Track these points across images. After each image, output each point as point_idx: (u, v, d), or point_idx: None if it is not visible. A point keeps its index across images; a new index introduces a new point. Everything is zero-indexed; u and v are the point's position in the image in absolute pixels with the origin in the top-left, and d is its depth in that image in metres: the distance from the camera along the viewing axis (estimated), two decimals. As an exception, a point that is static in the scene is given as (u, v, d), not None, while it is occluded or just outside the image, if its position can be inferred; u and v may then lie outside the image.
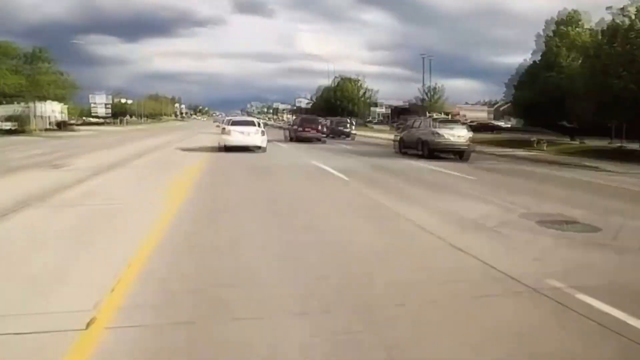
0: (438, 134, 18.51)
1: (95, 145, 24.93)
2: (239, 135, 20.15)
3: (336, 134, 34.77)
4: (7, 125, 44.09)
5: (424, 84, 64.43)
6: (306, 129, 29.30)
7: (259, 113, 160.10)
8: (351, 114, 75.73)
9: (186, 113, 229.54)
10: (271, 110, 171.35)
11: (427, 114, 37.46)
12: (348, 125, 36.71)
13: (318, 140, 28.46)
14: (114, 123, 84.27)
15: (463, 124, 21.45)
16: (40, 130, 46.07)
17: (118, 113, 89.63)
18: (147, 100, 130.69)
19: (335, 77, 75.06)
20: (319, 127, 29.55)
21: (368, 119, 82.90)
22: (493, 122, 64.17)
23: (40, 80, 42.67)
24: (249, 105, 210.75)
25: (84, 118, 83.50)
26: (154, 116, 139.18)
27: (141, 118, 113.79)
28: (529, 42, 41.38)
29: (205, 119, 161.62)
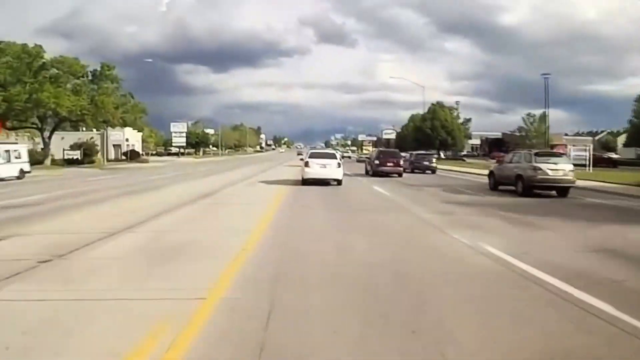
0: (538, 168, 16.72)
1: (140, 185, 22.48)
2: (318, 168, 20.52)
3: (420, 168, 34.14)
4: (73, 155, 42.39)
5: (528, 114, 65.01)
6: (386, 164, 28.55)
7: (342, 145, 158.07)
8: (445, 145, 66.23)
9: (268, 144, 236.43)
10: (349, 142, 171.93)
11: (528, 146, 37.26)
12: (433, 159, 36.19)
13: (398, 175, 27.89)
14: (189, 154, 79.14)
15: (569, 156, 20.06)
16: (108, 160, 40.19)
17: (198, 143, 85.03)
18: (230, 130, 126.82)
19: (432, 104, 67.21)
20: (399, 162, 28.93)
21: (460, 152, 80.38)
22: (610, 154, 57.90)
23: (103, 102, 38.16)
24: (333, 138, 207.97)
25: (163, 147, 79.20)
26: (237, 147, 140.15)
27: (222, 149, 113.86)
28: (616, 68, 30.60)
29: (283, 150, 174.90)
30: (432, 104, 71.59)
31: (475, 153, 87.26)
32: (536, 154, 17.79)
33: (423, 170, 33.36)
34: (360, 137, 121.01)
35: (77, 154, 40.00)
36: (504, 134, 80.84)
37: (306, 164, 20.50)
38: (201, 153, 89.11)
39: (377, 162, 28.38)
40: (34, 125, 38.84)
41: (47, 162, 36.45)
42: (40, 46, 37.69)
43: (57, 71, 36.27)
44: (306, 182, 19.73)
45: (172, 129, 71.20)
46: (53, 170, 32.39)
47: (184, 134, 71.92)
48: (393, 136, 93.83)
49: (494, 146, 79.78)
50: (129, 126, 47.69)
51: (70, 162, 37.44)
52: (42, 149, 38.11)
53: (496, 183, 19.55)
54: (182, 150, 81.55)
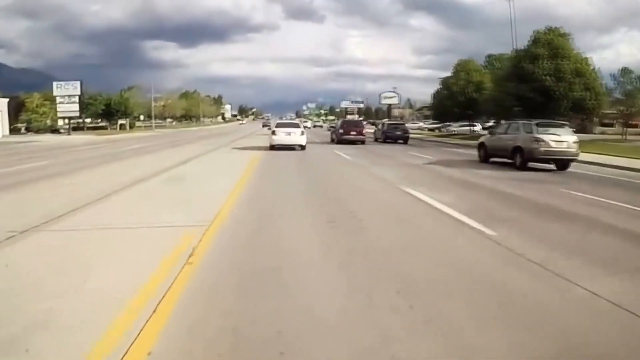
0: (540, 140, 15.80)
1: None
2: (283, 136, 23.54)
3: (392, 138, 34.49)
4: None
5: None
6: (350, 132, 31.11)
7: (317, 115, 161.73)
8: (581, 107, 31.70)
9: (234, 115, 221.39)
10: (322, 112, 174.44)
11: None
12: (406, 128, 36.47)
13: (361, 142, 30.73)
14: (101, 128, 68.14)
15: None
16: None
17: (111, 112, 69.04)
18: (176, 98, 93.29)
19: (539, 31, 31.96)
20: (361, 130, 31.53)
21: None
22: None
23: None
24: (304, 107, 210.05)
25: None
26: (187, 118, 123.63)
27: (166, 120, 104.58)
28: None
29: (244, 121, 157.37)
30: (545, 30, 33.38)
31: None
32: (537, 124, 16.50)
33: (395, 139, 34.02)
34: (344, 104, 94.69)
35: None
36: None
37: (273, 132, 24.03)
38: (119, 126, 70.55)
39: (341, 130, 31.66)
40: None
41: None
42: None
43: None
44: (273, 147, 22.98)
45: (55, 92, 51.73)
46: None
47: (76, 99, 51.33)
48: (394, 100, 66.62)
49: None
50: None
51: None
52: None
53: (487, 155, 18.29)
54: (83, 122, 64.91)
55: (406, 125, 38.68)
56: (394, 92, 77.37)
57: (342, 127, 32.49)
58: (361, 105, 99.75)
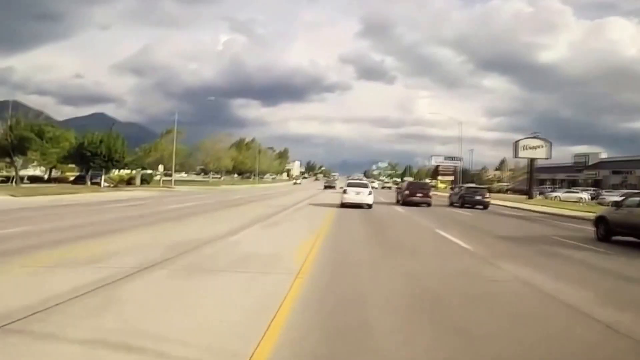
0: None
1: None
2: (353, 195, 25.80)
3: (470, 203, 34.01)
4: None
5: None
6: (416, 194, 31.96)
7: (389, 176, 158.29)
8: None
9: (302, 172, 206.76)
10: (393, 172, 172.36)
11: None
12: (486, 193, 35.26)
13: (427, 205, 31.75)
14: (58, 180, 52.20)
15: None
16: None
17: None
18: (221, 147, 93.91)
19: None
20: (427, 192, 32.57)
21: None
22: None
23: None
24: (374, 167, 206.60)
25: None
26: (240, 172, 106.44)
27: (208, 174, 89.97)
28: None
29: (299, 180, 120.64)
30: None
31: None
32: None
33: (473, 205, 34.05)
34: (434, 161, 69.59)
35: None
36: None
37: (344, 191, 26.66)
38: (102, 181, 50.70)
39: (407, 192, 32.86)
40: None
41: None
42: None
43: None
44: (344, 205, 25.65)
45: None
46: None
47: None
48: (542, 154, 39.48)
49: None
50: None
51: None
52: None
53: (609, 232, 15.49)
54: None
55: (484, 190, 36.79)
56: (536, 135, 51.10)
57: (407, 188, 33.81)
58: (458, 164, 74.46)
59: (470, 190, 35.15)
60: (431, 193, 33.31)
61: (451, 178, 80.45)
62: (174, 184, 55.27)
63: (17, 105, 48.92)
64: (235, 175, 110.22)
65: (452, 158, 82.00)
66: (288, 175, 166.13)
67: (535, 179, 54.68)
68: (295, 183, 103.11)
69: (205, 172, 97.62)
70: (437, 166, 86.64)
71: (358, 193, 25.90)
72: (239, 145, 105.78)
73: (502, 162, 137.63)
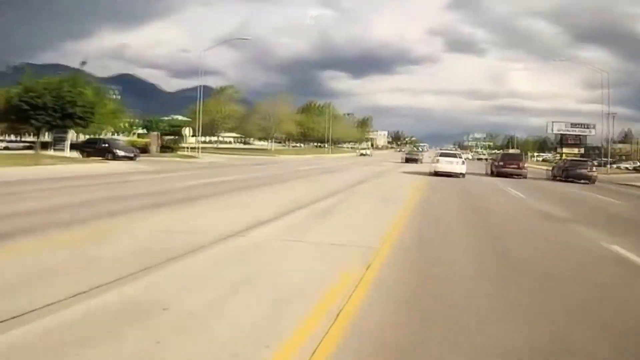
0: None
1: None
2: (445, 164, 27.66)
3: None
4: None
5: None
6: (508, 165, 32.27)
7: (486, 147, 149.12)
8: None
9: (389, 143, 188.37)
10: (490, 144, 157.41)
11: None
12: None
13: (519, 176, 31.98)
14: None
15: None
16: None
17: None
18: (287, 111, 56.88)
19: None
20: (521, 164, 32.97)
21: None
22: None
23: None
24: (466, 137, 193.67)
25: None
26: (304, 139, 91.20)
27: (269, 141, 72.51)
28: None
29: (368, 151, 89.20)
30: None
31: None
32: None
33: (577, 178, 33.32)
34: (556, 129, 49.15)
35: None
36: None
37: (437, 161, 28.51)
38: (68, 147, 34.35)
39: (500, 163, 33.36)
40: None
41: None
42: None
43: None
44: (437, 173, 27.56)
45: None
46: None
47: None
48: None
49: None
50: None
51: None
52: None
53: None
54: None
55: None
56: None
57: (501, 159, 34.40)
58: (593, 132, 55.32)
59: (574, 163, 34.77)
60: (524, 165, 34.14)
61: (578, 150, 61.48)
62: (200, 152, 42.89)
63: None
64: (300, 144, 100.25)
65: (581, 125, 63.94)
66: (372, 145, 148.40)
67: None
68: (361, 154, 77.76)
69: (279, 140, 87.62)
70: (562, 135, 64.64)
71: (450, 162, 27.78)
72: (308, 108, 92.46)
73: (626, 134, 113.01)
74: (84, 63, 41.84)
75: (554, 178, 33.37)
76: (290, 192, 16.20)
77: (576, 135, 64.69)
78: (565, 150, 64.89)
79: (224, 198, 13.46)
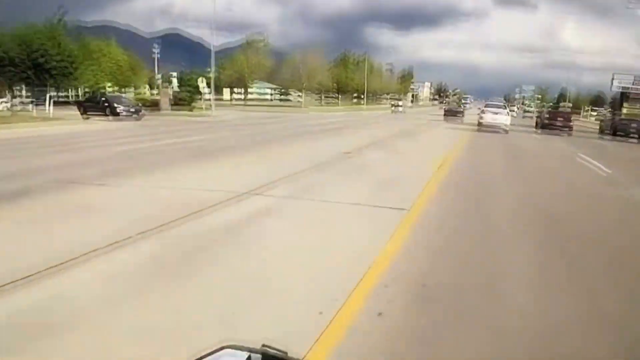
0: None
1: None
2: (490, 116, 28.32)
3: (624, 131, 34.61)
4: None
5: None
6: (555, 119, 33.59)
7: (537, 100, 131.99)
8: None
9: (434, 97, 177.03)
10: (539, 96, 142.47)
11: None
12: None
13: (568, 129, 32.72)
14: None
15: None
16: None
17: None
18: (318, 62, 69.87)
19: None
20: (568, 119, 33.70)
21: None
22: None
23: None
24: (517, 90, 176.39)
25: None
26: (338, 91, 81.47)
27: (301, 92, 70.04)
28: None
29: (400, 107, 71.36)
30: None
31: None
32: None
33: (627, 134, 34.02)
34: (618, 84, 42.68)
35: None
36: None
37: (482, 112, 29.49)
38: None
39: (547, 116, 34.97)
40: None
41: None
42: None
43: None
44: (481, 125, 28.84)
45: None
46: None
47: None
48: None
49: None
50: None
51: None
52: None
53: None
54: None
55: None
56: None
57: (548, 114, 36.53)
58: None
59: (624, 118, 34.97)
60: (571, 121, 34.73)
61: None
62: (215, 108, 38.93)
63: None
64: (337, 98, 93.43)
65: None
66: (413, 98, 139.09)
67: None
68: (393, 111, 67.24)
69: (315, 93, 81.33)
70: (623, 92, 51.43)
71: (495, 114, 28.19)
72: (344, 60, 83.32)
73: None
74: (63, 12, 32.86)
75: (601, 132, 33.38)
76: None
77: (640, 91, 60.62)
78: (626, 105, 49.22)
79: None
